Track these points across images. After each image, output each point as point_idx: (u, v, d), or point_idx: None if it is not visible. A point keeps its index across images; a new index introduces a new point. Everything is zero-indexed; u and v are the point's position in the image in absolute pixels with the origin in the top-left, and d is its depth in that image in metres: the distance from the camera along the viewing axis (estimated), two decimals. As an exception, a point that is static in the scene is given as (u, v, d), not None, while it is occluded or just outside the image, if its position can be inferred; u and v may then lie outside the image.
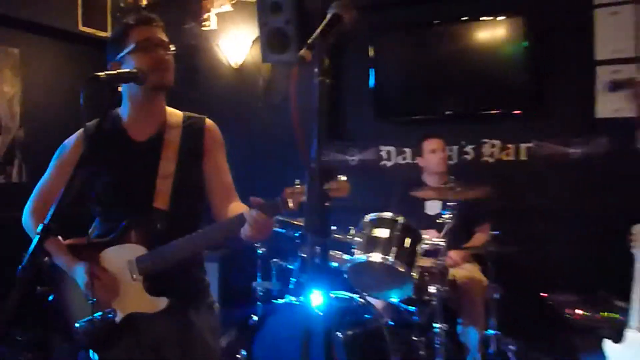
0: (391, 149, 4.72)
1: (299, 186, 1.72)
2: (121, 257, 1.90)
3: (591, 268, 4.05)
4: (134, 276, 1.89)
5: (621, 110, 4.09)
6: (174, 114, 2.08)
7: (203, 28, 5.07)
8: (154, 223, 1.91)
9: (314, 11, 4.70)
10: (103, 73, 1.71)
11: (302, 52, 1.25)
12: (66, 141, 2.03)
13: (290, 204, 1.69)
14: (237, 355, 3.85)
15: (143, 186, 1.94)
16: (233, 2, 4.93)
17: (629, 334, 3.30)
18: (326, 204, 1.18)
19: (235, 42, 4.99)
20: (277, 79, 4.95)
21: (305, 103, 1.19)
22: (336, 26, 1.34)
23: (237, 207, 2.02)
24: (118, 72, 1.78)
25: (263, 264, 4.04)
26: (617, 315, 3.56)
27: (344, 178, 1.66)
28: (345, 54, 4.86)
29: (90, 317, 1.86)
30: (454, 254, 3.72)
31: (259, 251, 4.00)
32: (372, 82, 4.65)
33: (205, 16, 5.05)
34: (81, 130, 1.98)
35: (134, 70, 1.81)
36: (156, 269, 1.89)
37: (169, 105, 2.08)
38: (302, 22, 4.63)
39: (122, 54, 1.90)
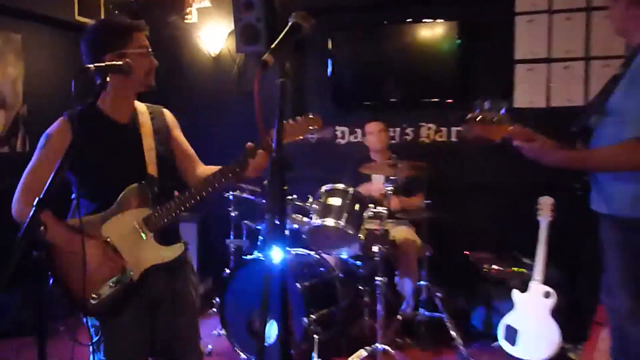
0: (345, 129, 4.68)
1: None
2: (126, 223, 1.85)
3: (505, 232, 4.12)
4: (145, 235, 1.85)
5: (534, 101, 4.14)
6: (137, 104, 2.03)
7: (185, 21, 4.92)
8: (152, 187, 1.89)
9: (281, 9, 4.62)
10: (92, 65, 1.66)
11: (265, 56, 1.21)
12: (50, 130, 1.85)
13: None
14: (213, 301, 3.87)
15: (135, 158, 1.91)
16: (211, -1, 4.80)
17: (532, 284, 3.40)
18: (285, 187, 1.17)
19: (213, 34, 4.86)
20: (249, 67, 4.86)
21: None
22: (296, 33, 1.31)
23: (208, 168, 2.07)
24: (106, 65, 1.72)
25: (235, 225, 4.02)
26: (524, 270, 3.65)
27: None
28: (307, 48, 4.79)
29: (108, 285, 1.82)
30: (395, 199, 3.73)
31: (232, 214, 3.97)
32: (329, 71, 4.59)
33: (187, 11, 4.90)
34: (62, 118, 1.86)
35: (120, 63, 1.75)
36: (165, 224, 1.87)
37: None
38: (271, 19, 4.54)
39: (125, 51, 1.82)
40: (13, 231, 1.50)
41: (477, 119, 2.29)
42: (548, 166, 2.24)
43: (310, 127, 1.92)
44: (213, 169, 1.97)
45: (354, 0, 4.56)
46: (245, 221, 3.97)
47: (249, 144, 1.86)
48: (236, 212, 3.99)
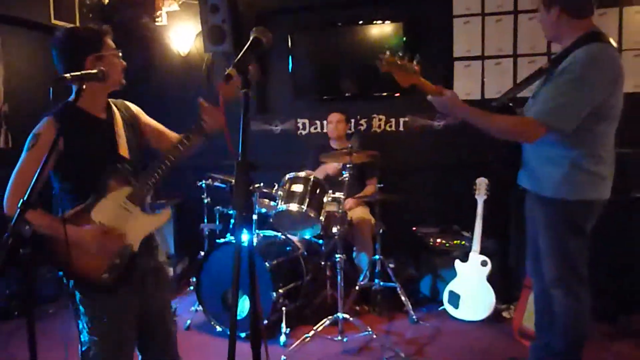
0: (306, 121, 4.63)
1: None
2: (113, 204, 1.79)
3: (448, 209, 4.17)
4: (132, 210, 1.82)
5: (471, 93, 4.19)
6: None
7: (156, 23, 4.73)
8: (125, 167, 1.85)
9: (244, 12, 4.49)
10: (69, 75, 1.58)
11: (229, 70, 1.17)
12: (37, 130, 1.76)
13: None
14: (190, 280, 3.82)
15: (109, 145, 1.86)
16: (180, 2, 4.62)
17: (472, 255, 3.49)
18: (250, 187, 1.16)
19: (182, 35, 4.70)
20: (216, 65, 4.74)
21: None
22: (256, 47, 1.27)
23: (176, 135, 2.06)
24: (82, 73, 1.63)
25: (208, 210, 3.96)
26: (464, 243, 3.71)
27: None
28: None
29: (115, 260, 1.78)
30: (350, 201, 3.77)
31: (205, 200, 3.91)
32: (290, 67, 4.55)
33: (157, 13, 4.71)
34: (48, 117, 1.76)
35: (95, 71, 1.68)
36: (146, 194, 1.86)
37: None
38: (235, 21, 4.41)
39: (102, 54, 1.79)
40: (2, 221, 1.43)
41: (388, 60, 2.22)
42: (455, 117, 2.29)
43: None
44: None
45: (310, 2, 4.47)
46: (218, 207, 3.92)
47: (200, 99, 1.86)
48: (209, 199, 3.92)
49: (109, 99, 1.97)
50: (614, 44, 2.19)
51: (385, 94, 4.41)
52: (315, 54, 4.57)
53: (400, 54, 2.22)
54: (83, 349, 1.80)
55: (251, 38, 1.29)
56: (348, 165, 3.26)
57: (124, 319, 1.83)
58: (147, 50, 4.78)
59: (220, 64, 4.72)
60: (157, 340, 1.98)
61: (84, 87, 1.62)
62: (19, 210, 1.39)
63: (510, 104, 2.35)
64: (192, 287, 3.60)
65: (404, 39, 4.25)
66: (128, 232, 1.81)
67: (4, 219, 1.62)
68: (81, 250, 1.72)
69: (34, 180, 1.43)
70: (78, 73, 1.62)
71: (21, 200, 1.39)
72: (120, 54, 1.88)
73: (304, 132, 4.65)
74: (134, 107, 2.06)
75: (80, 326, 1.80)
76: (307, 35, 4.58)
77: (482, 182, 3.57)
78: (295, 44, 4.51)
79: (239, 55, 1.20)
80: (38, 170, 1.46)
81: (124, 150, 1.89)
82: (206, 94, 5.11)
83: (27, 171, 1.70)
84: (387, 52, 2.22)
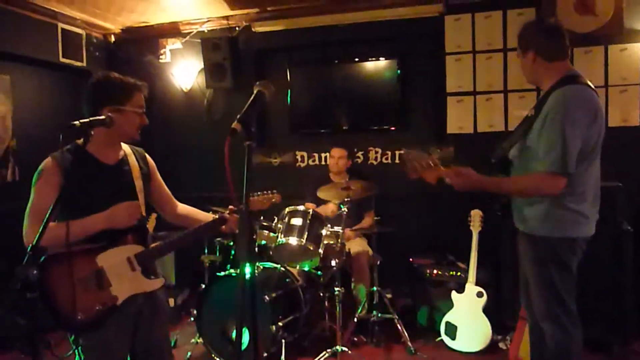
0: (304, 153, 4.69)
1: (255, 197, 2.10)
2: (120, 255, 1.84)
3: (443, 240, 4.16)
4: (135, 267, 1.86)
5: (463, 127, 4.26)
6: (123, 145, 2.03)
7: (160, 60, 4.84)
8: (146, 227, 1.92)
9: (244, 50, 4.64)
10: (77, 122, 1.63)
11: (234, 124, 1.22)
12: (41, 167, 1.82)
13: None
14: (190, 311, 3.80)
15: (129, 199, 1.90)
16: (183, 41, 4.74)
17: (467, 286, 3.49)
18: (253, 236, 1.19)
19: (184, 72, 4.81)
20: (217, 100, 4.83)
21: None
22: (259, 100, 1.32)
23: (186, 209, 2.19)
24: (90, 120, 1.69)
25: (209, 242, 3.97)
26: (460, 274, 3.71)
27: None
28: (270, 81, 4.80)
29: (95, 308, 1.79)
30: (349, 232, 3.81)
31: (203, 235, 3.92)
32: (289, 101, 4.61)
33: (161, 51, 4.83)
34: (50, 157, 1.82)
35: (103, 117, 1.73)
36: (153, 260, 1.93)
37: None
38: (235, 59, 4.56)
39: (123, 108, 1.85)
40: (9, 254, 1.45)
41: (414, 169, 2.35)
42: (472, 190, 2.29)
43: (273, 200, 2.11)
44: (190, 210, 2.14)
45: (308, 41, 4.57)
46: (218, 239, 3.94)
47: (232, 207, 1.97)
48: (207, 233, 3.93)
49: (127, 145, 2.02)
50: (591, 84, 2.24)
51: (381, 127, 4.48)
52: (312, 89, 4.67)
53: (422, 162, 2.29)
54: None
55: (254, 92, 1.34)
56: (346, 200, 3.30)
57: (111, 355, 1.85)
58: (150, 86, 4.82)
59: (221, 99, 4.81)
60: None
61: (92, 133, 1.67)
62: (27, 254, 1.42)
63: (509, 158, 2.36)
64: (192, 319, 3.59)
65: (398, 71, 4.34)
66: (120, 285, 1.83)
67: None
68: (66, 285, 1.73)
69: (42, 226, 1.46)
70: (86, 120, 1.67)
71: (30, 246, 1.42)
72: (144, 112, 1.93)
73: (302, 165, 4.70)
74: (151, 161, 2.11)
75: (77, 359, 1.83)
76: (305, 71, 4.68)
77: (476, 215, 3.59)
78: (293, 79, 4.61)
79: (244, 110, 1.24)
80: (47, 215, 1.50)
81: (143, 207, 1.94)
82: (206, 127, 5.20)
83: (37, 206, 1.77)
84: (411, 165, 2.32)
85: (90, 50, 4.57)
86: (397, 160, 4.48)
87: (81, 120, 1.65)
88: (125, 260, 1.84)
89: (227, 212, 1.93)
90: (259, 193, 2.19)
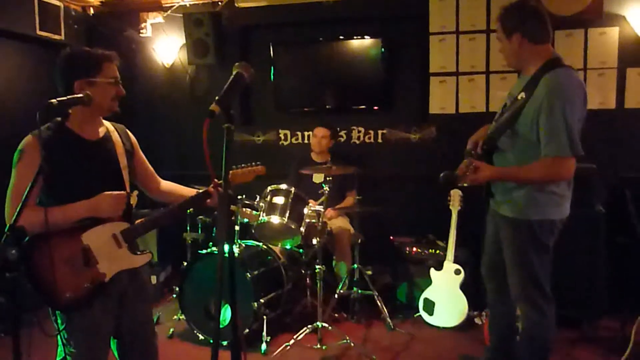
0: (287, 132, 4.65)
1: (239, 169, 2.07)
2: (106, 232, 1.82)
3: (423, 219, 4.20)
4: (122, 244, 1.85)
5: (445, 108, 4.27)
6: (105, 121, 1.99)
7: (141, 35, 4.72)
8: (130, 203, 1.89)
9: (227, 27, 4.54)
10: (55, 100, 1.59)
11: (212, 106, 1.20)
12: (21, 147, 1.77)
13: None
14: (173, 288, 3.82)
15: (114, 176, 1.90)
16: (164, 15, 4.62)
17: (446, 264, 3.56)
18: (232, 217, 1.19)
19: (166, 47, 4.70)
20: (199, 77, 4.75)
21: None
22: (239, 82, 1.30)
23: (169, 185, 2.17)
24: (67, 98, 1.65)
25: (191, 219, 3.96)
26: (439, 252, 3.77)
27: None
28: (252, 59, 4.73)
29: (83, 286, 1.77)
30: (331, 211, 3.83)
31: (187, 210, 3.90)
32: (272, 78, 4.55)
33: (142, 25, 4.70)
34: (31, 135, 1.77)
35: (80, 96, 1.69)
36: (138, 236, 1.92)
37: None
38: (218, 35, 4.46)
39: (94, 79, 1.79)
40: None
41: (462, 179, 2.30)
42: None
43: (256, 173, 2.05)
44: (173, 186, 2.13)
45: (293, 18, 4.49)
46: (200, 216, 3.93)
47: (215, 181, 1.91)
48: (191, 208, 3.92)
49: (110, 122, 1.98)
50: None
51: (364, 107, 4.48)
52: (296, 67, 4.61)
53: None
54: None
55: (233, 73, 1.31)
56: (328, 179, 3.31)
57: (98, 335, 1.85)
58: (131, 61, 4.76)
59: (203, 75, 4.74)
60: (137, 350, 1.99)
61: (70, 111, 1.64)
62: (5, 233, 1.40)
63: (499, 147, 2.34)
64: (175, 296, 3.61)
65: (382, 49, 4.31)
66: (107, 263, 1.82)
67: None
68: (59, 267, 1.72)
69: (20, 206, 1.44)
70: (63, 98, 1.64)
71: (8, 225, 1.40)
72: (117, 81, 1.86)
73: (285, 143, 4.68)
74: (133, 138, 2.08)
75: (59, 340, 1.83)
76: (289, 49, 4.62)
77: (456, 194, 3.65)
78: (277, 56, 4.55)
79: (222, 92, 1.22)
80: (25, 193, 1.47)
81: (127, 183, 1.92)
82: (189, 104, 5.13)
83: (19, 186, 1.73)
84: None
85: (68, 23, 4.42)
86: (380, 140, 4.48)
87: (58, 99, 1.61)
88: (111, 237, 1.83)
89: (212, 186, 1.91)
90: (242, 165, 2.14)
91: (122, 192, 1.86)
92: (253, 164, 2.15)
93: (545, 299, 2.31)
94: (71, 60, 1.82)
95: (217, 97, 1.21)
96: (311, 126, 4.29)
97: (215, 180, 1.89)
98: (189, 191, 2.07)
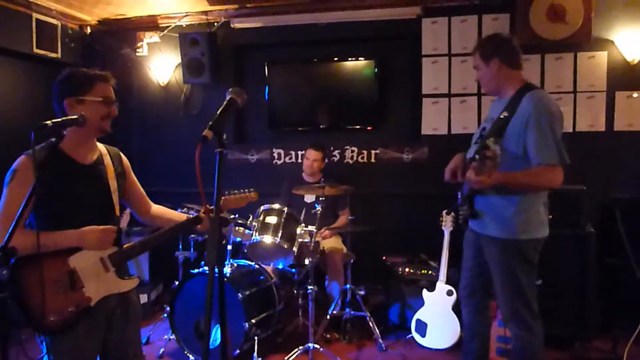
0: (281, 151, 4.67)
1: (232, 195, 2.08)
2: (93, 256, 1.81)
3: (415, 239, 4.20)
4: (109, 268, 1.83)
5: (438, 128, 4.33)
6: (98, 144, 2.00)
7: (137, 54, 4.77)
8: (119, 227, 1.88)
9: (222, 46, 4.60)
10: (50, 121, 1.61)
11: (205, 132, 1.22)
12: (14, 167, 1.78)
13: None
14: (164, 307, 3.79)
15: (104, 199, 1.90)
16: (160, 35, 4.68)
17: (438, 285, 3.55)
18: (223, 241, 1.20)
19: (162, 66, 4.75)
20: (194, 96, 4.78)
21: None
22: (232, 107, 1.33)
23: (160, 209, 2.16)
24: (62, 119, 1.67)
25: (183, 238, 3.95)
26: (431, 272, 3.76)
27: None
28: (247, 78, 4.79)
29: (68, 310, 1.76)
30: (325, 231, 3.83)
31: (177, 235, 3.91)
32: (266, 97, 4.59)
33: (138, 44, 4.75)
34: (24, 155, 1.78)
35: (75, 117, 1.70)
36: (127, 260, 1.91)
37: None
38: (213, 54, 4.50)
39: (83, 98, 1.80)
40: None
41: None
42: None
43: (249, 200, 2.05)
44: (163, 210, 2.10)
45: (288, 38, 4.56)
46: (192, 235, 3.92)
47: (207, 206, 1.90)
48: (182, 233, 3.92)
49: (103, 145, 2.00)
50: None
51: (358, 127, 4.52)
52: (291, 87, 4.66)
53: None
54: None
55: (227, 98, 1.34)
56: (321, 199, 3.33)
57: (81, 357, 1.83)
58: (127, 79, 4.80)
59: (198, 94, 4.78)
60: None
61: (64, 132, 1.65)
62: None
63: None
64: (165, 315, 3.58)
65: (376, 69, 4.37)
66: (93, 287, 1.81)
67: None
68: (39, 285, 1.71)
69: (12, 225, 1.44)
70: (58, 120, 1.65)
71: (0, 245, 1.40)
72: (110, 101, 1.87)
73: (279, 162, 4.69)
74: (125, 161, 2.08)
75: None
76: (284, 69, 4.68)
77: (448, 215, 3.66)
78: (272, 76, 4.61)
79: (215, 117, 1.24)
80: (17, 214, 1.48)
81: (117, 206, 1.92)
82: (183, 122, 5.15)
83: (9, 206, 1.73)
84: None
85: (65, 41, 4.47)
86: (373, 160, 4.51)
87: (53, 120, 1.62)
88: (99, 261, 1.82)
89: (203, 211, 1.92)
90: (235, 191, 2.18)
91: (111, 226, 1.84)
92: (246, 190, 2.16)
93: (533, 316, 2.36)
94: (66, 79, 1.84)
95: (210, 123, 1.23)
96: (305, 145, 4.32)
97: (207, 206, 1.90)
98: (180, 216, 2.08)
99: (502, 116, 2.34)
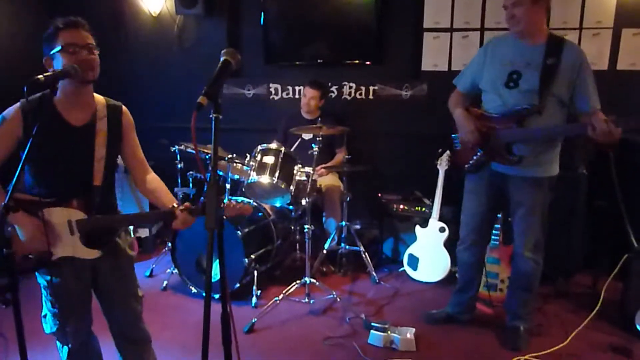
0: (278, 86, 4.60)
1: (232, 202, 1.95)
2: (63, 216, 1.80)
3: (411, 177, 4.27)
4: (74, 232, 1.81)
5: (438, 65, 4.25)
6: (99, 101, 1.90)
7: (126, -19, 4.55)
8: (94, 197, 1.84)
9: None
10: (42, 76, 1.57)
11: (200, 99, 1.19)
12: (5, 113, 1.74)
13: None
14: (166, 240, 3.91)
15: (83, 167, 1.83)
16: (151, -39, 4.43)
17: (431, 221, 3.67)
18: (220, 205, 1.23)
19: (153, -5, 4.55)
20: (187, 28, 4.61)
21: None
22: (226, 69, 1.30)
23: (154, 180, 2.01)
24: (54, 73, 1.64)
25: (182, 175, 4.00)
26: (424, 209, 3.88)
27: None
28: (242, 10, 4.61)
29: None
30: (321, 169, 3.87)
31: (178, 165, 3.95)
32: (262, 33, 4.45)
33: (127, -29, 4.52)
34: (17, 106, 1.75)
35: (67, 69, 1.68)
36: (94, 230, 1.85)
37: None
38: (207, -16, 4.32)
39: (52, 52, 1.73)
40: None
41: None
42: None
43: (241, 213, 1.90)
44: (157, 187, 1.97)
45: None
46: (191, 172, 3.98)
47: (186, 204, 1.82)
48: (182, 164, 3.96)
49: (105, 99, 1.91)
50: None
51: (356, 62, 4.42)
52: (288, 20, 4.49)
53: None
54: (42, 314, 1.95)
55: (220, 60, 1.31)
56: (318, 139, 3.33)
57: (70, 293, 1.89)
58: (117, 9, 4.61)
59: (191, 26, 4.61)
60: (119, 317, 2.03)
61: (57, 86, 1.64)
62: (1, 214, 1.44)
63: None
64: (167, 249, 3.72)
65: (376, 3, 4.21)
66: (58, 245, 1.81)
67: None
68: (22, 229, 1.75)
69: (12, 183, 1.47)
70: (50, 74, 1.62)
71: (3, 203, 1.44)
72: (79, 48, 1.73)
73: (276, 97, 4.63)
74: (127, 119, 1.97)
75: (42, 297, 1.93)
76: (280, 1, 4.47)
77: (444, 154, 3.69)
78: (268, 8, 4.43)
79: (210, 82, 1.22)
80: (17, 173, 1.50)
81: (98, 176, 1.84)
82: (176, 55, 4.99)
83: None
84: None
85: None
86: (371, 96, 4.46)
87: (45, 74, 1.59)
88: (66, 222, 1.81)
89: (182, 207, 1.80)
90: (233, 201, 2.11)
91: (45, 243, 1.76)
92: (243, 203, 2.02)
93: (543, 250, 2.75)
94: (43, 40, 1.77)
95: (204, 89, 1.21)
96: (303, 80, 4.24)
97: (187, 204, 1.81)
98: (169, 200, 1.93)
99: (549, 62, 2.43)
